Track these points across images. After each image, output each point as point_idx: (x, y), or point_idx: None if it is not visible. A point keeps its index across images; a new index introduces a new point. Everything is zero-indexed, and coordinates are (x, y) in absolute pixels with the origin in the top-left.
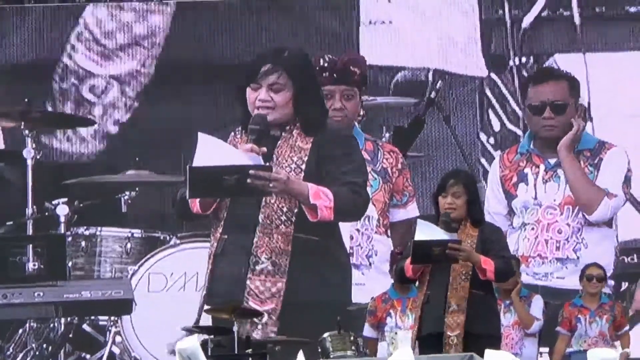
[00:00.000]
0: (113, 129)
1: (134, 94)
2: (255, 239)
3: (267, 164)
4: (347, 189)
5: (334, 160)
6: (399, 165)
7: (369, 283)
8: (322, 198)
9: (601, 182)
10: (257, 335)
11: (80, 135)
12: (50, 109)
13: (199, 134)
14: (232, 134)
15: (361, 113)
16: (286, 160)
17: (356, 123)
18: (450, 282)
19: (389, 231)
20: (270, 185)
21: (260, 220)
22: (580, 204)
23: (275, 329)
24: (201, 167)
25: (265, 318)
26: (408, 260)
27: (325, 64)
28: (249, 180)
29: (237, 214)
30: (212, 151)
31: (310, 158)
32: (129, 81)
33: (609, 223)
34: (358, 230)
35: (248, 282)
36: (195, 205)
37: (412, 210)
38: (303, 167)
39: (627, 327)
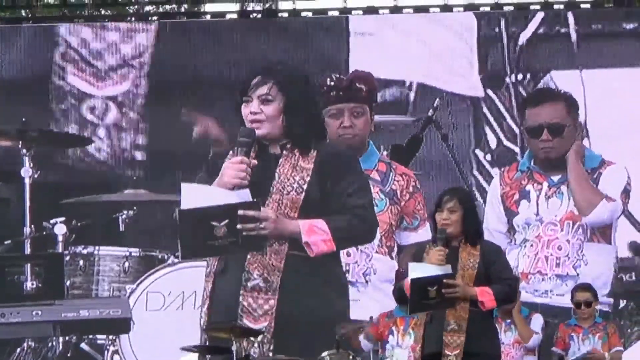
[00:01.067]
0: (118, 149)
1: (133, 114)
2: (248, 256)
3: (255, 199)
4: (350, 216)
5: (338, 182)
6: (410, 189)
7: (365, 300)
8: (317, 233)
9: (600, 187)
10: (254, 353)
11: (77, 154)
12: (55, 129)
13: (182, 184)
14: (231, 152)
15: (372, 129)
16: (288, 180)
17: (371, 141)
18: None
19: (393, 253)
20: (261, 225)
21: None
22: (577, 204)
23: (271, 347)
24: (189, 210)
25: (261, 336)
26: (408, 279)
27: (332, 83)
28: (239, 226)
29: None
30: (197, 197)
31: (312, 178)
32: (125, 102)
33: (607, 239)
34: (357, 248)
35: (241, 299)
36: None
37: (423, 233)
38: (305, 187)
39: (619, 347)
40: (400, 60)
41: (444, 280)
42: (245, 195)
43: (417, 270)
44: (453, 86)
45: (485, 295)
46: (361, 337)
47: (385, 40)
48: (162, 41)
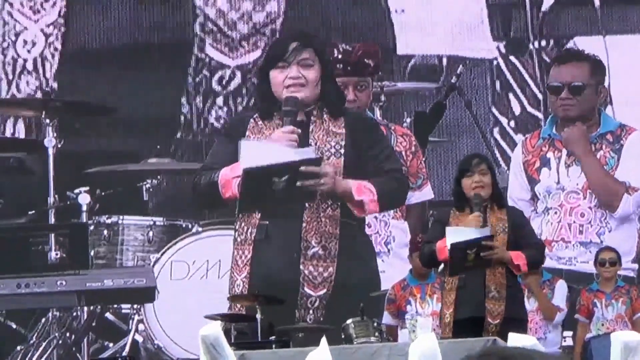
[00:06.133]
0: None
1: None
2: (304, 224)
3: (319, 155)
4: (388, 178)
5: (371, 147)
6: (413, 148)
7: (389, 270)
8: (365, 193)
9: (622, 171)
10: (309, 320)
11: (101, 123)
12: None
13: (241, 142)
14: (252, 121)
15: (382, 99)
16: (325, 145)
17: (367, 110)
18: None
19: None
20: (321, 181)
21: (307, 205)
22: (601, 203)
23: (324, 312)
24: (255, 168)
25: (317, 303)
26: (440, 242)
27: (340, 56)
28: (298, 183)
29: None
30: (257, 154)
31: (347, 142)
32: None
33: None
34: (376, 217)
35: (301, 267)
36: (229, 190)
37: (427, 192)
38: (342, 151)
39: None
40: (415, 29)
41: (483, 242)
42: (309, 152)
43: (456, 234)
44: (479, 53)
45: (520, 259)
46: (385, 314)
47: (402, 11)
48: None
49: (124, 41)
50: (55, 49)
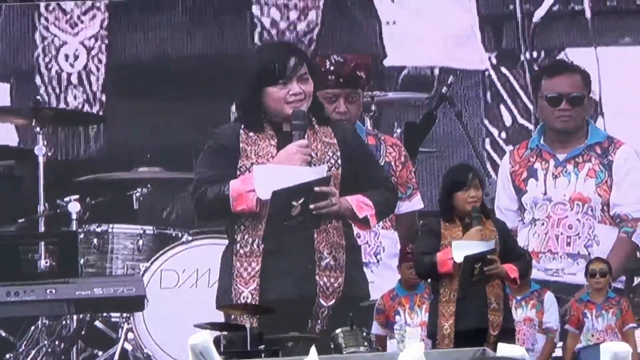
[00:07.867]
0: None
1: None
2: (315, 235)
3: (330, 173)
4: (382, 189)
5: (361, 158)
6: (402, 158)
7: (378, 280)
8: (364, 209)
9: (618, 197)
10: (317, 329)
11: (91, 132)
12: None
13: (255, 167)
14: (242, 133)
15: (373, 109)
16: (324, 157)
17: (357, 121)
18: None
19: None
20: (333, 201)
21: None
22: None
23: (327, 321)
24: (283, 190)
25: (325, 312)
26: (441, 255)
27: (332, 67)
28: (311, 206)
29: None
30: (273, 178)
31: (342, 153)
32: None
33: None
34: None
35: (317, 278)
36: (243, 203)
37: (416, 202)
38: (340, 162)
39: (632, 324)
40: (407, 42)
41: (488, 257)
42: (322, 170)
43: (462, 248)
44: (471, 64)
45: (514, 272)
46: (374, 324)
47: (393, 23)
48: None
49: (167, 52)
50: (100, 62)
